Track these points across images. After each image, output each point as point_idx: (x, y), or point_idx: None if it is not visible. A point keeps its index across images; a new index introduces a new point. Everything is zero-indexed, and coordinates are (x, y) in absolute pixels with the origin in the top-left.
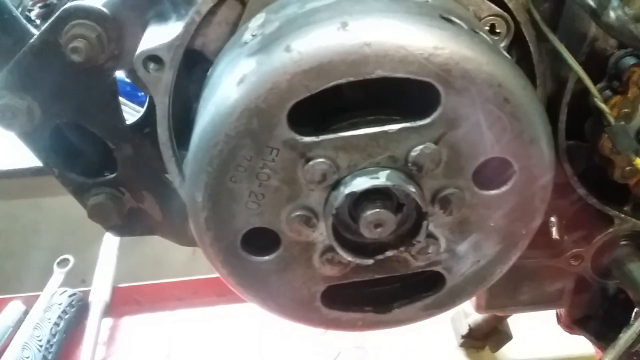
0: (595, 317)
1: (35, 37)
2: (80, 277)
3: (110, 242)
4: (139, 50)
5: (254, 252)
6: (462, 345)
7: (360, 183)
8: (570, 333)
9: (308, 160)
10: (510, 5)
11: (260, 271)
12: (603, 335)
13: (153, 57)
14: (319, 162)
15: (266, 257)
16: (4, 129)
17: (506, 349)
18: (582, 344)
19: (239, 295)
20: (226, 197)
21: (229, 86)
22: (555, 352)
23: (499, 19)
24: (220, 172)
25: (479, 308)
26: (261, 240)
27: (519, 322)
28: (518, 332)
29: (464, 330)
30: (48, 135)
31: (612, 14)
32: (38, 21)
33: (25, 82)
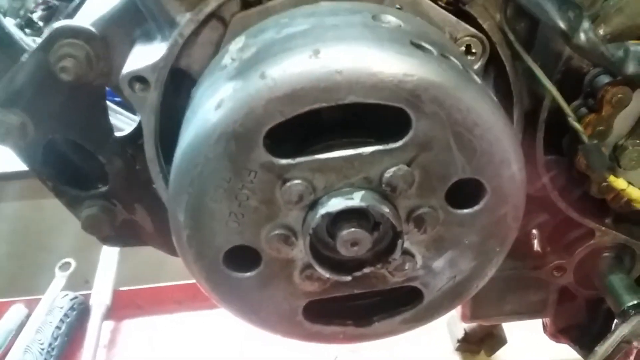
0: (579, 326)
1: (26, 56)
2: (83, 278)
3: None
4: (124, 72)
5: (236, 269)
6: (457, 349)
7: (336, 204)
8: (556, 342)
9: (285, 181)
10: (485, 26)
11: (242, 287)
12: (586, 345)
13: (138, 78)
14: (296, 183)
15: (248, 274)
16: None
17: (501, 353)
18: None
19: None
20: (207, 216)
21: (208, 110)
22: (548, 357)
23: (474, 39)
24: (201, 192)
25: (464, 317)
26: (243, 257)
27: (514, 327)
28: (513, 337)
29: (460, 334)
30: (41, 149)
31: (582, 36)
32: (41, 23)
33: (17, 99)
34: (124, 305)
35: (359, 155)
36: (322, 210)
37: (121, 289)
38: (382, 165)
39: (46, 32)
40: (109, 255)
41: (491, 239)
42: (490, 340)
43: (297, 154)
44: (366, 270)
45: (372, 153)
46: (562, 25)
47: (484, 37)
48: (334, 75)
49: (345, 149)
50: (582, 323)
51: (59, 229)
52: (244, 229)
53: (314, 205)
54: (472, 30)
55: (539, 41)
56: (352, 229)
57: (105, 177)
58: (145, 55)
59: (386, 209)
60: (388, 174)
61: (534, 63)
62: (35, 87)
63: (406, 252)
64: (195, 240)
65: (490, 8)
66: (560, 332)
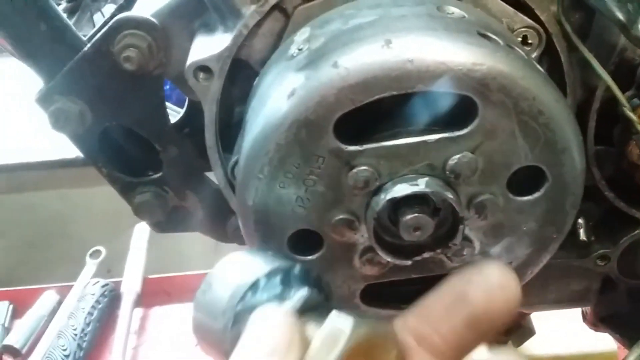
0: (621, 315)
1: (88, 45)
2: (105, 267)
3: (140, 235)
4: (189, 61)
5: (298, 252)
6: None
7: (401, 189)
8: (596, 330)
9: (352, 167)
10: (542, 17)
11: None
12: (628, 333)
13: (203, 67)
14: (362, 169)
15: (310, 257)
16: (56, 131)
17: (529, 344)
18: (604, 341)
19: None
20: (275, 201)
21: (279, 99)
22: (577, 348)
23: (531, 30)
24: (270, 178)
25: None
26: (305, 241)
27: (542, 318)
28: (541, 328)
29: None
30: (97, 137)
31: None
32: (65, 15)
33: (78, 88)
34: (153, 293)
35: (425, 142)
36: (387, 196)
37: (151, 276)
38: (446, 152)
39: (109, 23)
40: (139, 244)
41: (549, 226)
42: (518, 332)
43: (363, 141)
44: (426, 255)
45: (438, 140)
46: (621, 17)
47: (540, 29)
48: (406, 64)
49: (410, 136)
50: (623, 312)
51: (81, 218)
52: (309, 214)
53: (378, 190)
54: (530, 21)
55: (593, 33)
56: (416, 214)
57: (156, 164)
58: (208, 46)
59: (450, 195)
60: (452, 161)
61: (590, 54)
62: (96, 76)
63: (465, 238)
64: (262, 224)
65: (547, 0)
66: (600, 321)
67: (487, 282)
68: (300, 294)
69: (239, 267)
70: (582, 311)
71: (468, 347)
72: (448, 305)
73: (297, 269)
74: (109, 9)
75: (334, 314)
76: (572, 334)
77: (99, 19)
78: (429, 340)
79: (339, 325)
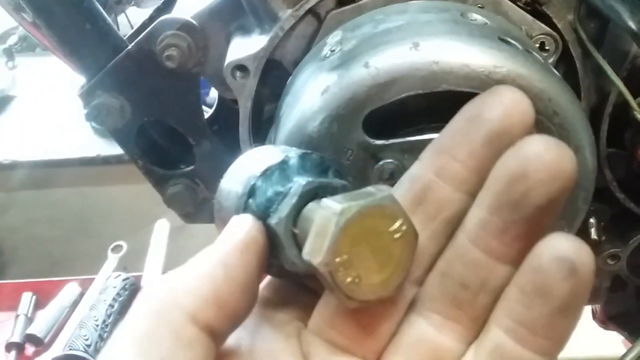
0: (630, 313)
1: (132, 44)
2: (121, 264)
3: (160, 231)
4: (227, 60)
5: None
6: None
7: None
8: (605, 329)
9: (378, 160)
10: (559, 25)
11: None
12: (636, 331)
13: (240, 67)
14: (388, 162)
15: None
16: (97, 125)
17: None
18: (614, 345)
19: None
20: None
21: (313, 95)
22: (587, 352)
23: (548, 37)
24: None
25: None
26: None
27: None
28: None
29: None
30: (135, 131)
31: None
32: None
33: (119, 84)
34: None
35: None
36: None
37: (169, 272)
38: None
39: (152, 24)
40: (159, 240)
41: (561, 220)
42: None
43: (389, 136)
44: None
45: None
46: (633, 26)
47: (557, 36)
48: (432, 65)
49: (434, 132)
50: (632, 310)
51: (102, 216)
52: None
53: None
54: (547, 29)
55: (607, 40)
56: None
57: (189, 158)
58: (245, 47)
59: None
60: None
61: (604, 61)
62: (138, 73)
63: None
64: None
65: (564, 9)
66: (610, 319)
67: (500, 100)
68: (296, 185)
69: (259, 155)
70: (592, 309)
71: (487, 168)
72: (464, 128)
73: (291, 161)
74: (132, 11)
75: (325, 201)
76: (582, 338)
77: (122, 20)
78: (448, 169)
79: (329, 210)
